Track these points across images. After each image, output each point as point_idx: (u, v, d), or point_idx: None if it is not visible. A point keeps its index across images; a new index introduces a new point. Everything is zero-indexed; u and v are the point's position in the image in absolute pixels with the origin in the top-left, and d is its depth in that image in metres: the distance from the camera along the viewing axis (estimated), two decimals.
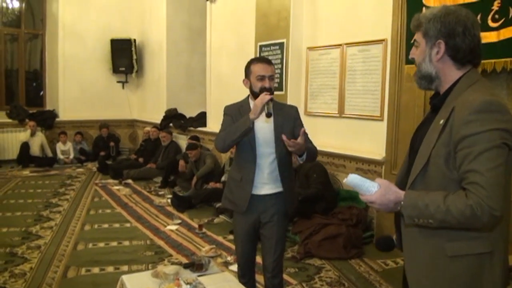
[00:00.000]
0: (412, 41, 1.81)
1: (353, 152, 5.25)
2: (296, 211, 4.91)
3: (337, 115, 5.55)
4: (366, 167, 5.10)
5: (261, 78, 2.71)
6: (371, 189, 1.65)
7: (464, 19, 1.67)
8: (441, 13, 1.70)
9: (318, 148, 5.39)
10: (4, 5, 10.33)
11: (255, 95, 2.73)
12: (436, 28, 1.69)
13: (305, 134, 2.64)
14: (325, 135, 5.71)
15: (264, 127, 2.78)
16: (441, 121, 1.63)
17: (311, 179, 5.08)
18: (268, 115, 2.56)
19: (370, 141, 5.14)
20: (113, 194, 7.19)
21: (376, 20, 4.99)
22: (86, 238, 5.05)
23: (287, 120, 2.80)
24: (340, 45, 5.45)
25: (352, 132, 5.39)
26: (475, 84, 1.67)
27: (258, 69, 2.73)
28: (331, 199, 5.14)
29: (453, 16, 1.67)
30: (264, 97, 2.60)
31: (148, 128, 9.68)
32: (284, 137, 2.53)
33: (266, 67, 2.73)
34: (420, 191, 1.60)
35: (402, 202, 1.60)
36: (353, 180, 1.66)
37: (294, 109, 2.89)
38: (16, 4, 10.43)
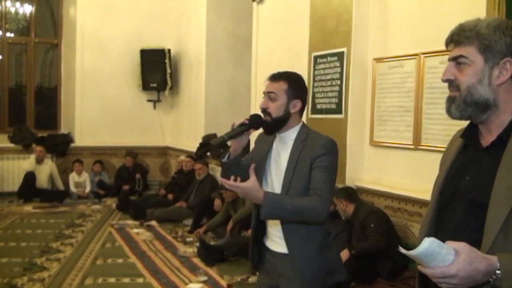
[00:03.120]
0: (453, 57, 1.69)
1: None
2: (353, 273, 4.67)
3: (412, 146, 5.31)
4: None
5: (264, 96, 2.77)
6: (448, 257, 1.46)
7: None
8: (506, 25, 1.61)
9: (386, 189, 5.44)
10: (13, 10, 10.75)
11: None
12: (505, 43, 1.62)
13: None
14: (396, 173, 5.50)
15: (276, 160, 2.77)
16: None
17: (368, 230, 4.91)
18: (211, 146, 2.70)
19: None
20: (130, 239, 7.15)
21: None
22: None
23: (305, 157, 2.65)
24: (417, 55, 5.24)
25: (432, 170, 4.86)
26: None
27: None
28: (399, 258, 4.81)
29: None
30: (240, 121, 2.70)
31: (182, 157, 9.67)
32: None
33: (269, 84, 2.75)
34: None
35: (498, 271, 1.45)
36: (431, 246, 1.45)
37: (321, 143, 2.66)
38: (29, 9, 10.83)
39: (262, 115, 2.71)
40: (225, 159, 2.64)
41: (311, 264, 2.65)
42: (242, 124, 2.65)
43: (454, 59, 1.71)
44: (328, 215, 2.61)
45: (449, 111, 1.73)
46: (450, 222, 1.69)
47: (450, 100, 1.72)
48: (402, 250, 1.52)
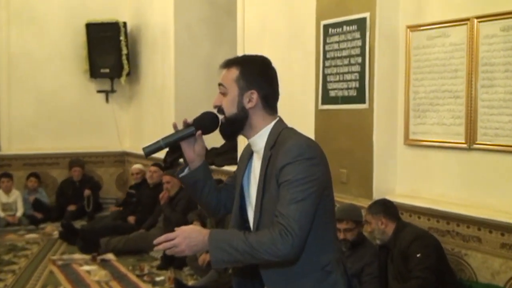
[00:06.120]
0: None
1: (495, 215, 4.86)
2: None
3: (464, 145, 5.19)
4: None
5: None
6: None
7: None
8: None
9: (429, 205, 5.33)
10: None
11: None
12: None
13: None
14: (442, 182, 5.41)
15: (253, 176, 2.80)
16: None
17: (413, 262, 4.75)
18: (145, 154, 2.77)
19: None
20: (79, 281, 7.01)
21: None
22: None
23: (272, 170, 2.64)
24: (468, 19, 5.12)
25: (493, 177, 4.99)
26: None
27: None
28: None
29: None
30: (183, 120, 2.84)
31: (138, 166, 9.78)
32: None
33: (222, 73, 2.80)
34: None
35: None
36: None
37: (284, 149, 2.61)
38: None
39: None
40: (183, 173, 2.81)
41: None
42: (185, 126, 2.74)
43: None
44: (298, 250, 2.47)
45: None
46: None
47: None
48: None
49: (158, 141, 2.67)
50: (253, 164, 2.79)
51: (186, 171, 2.80)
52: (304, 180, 2.47)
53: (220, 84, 2.71)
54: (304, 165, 2.50)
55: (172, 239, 2.47)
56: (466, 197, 5.16)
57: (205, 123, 2.73)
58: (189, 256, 7.25)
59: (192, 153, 2.75)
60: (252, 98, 2.66)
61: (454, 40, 5.23)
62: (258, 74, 2.71)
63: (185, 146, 2.75)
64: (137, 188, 9.47)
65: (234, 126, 2.69)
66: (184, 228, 2.53)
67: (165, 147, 2.69)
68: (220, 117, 2.74)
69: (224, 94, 2.70)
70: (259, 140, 2.70)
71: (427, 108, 5.50)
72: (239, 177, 2.85)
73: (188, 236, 2.46)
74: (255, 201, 2.70)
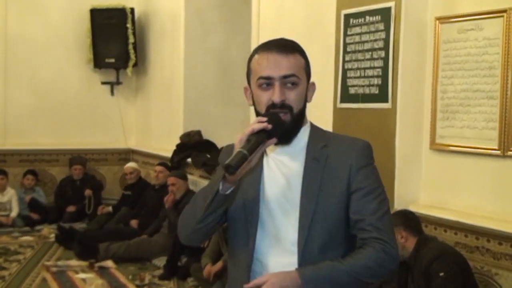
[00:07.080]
0: None
1: None
2: None
3: (498, 152, 5.07)
4: None
5: (266, 83, 2.49)
6: None
7: None
8: None
9: (456, 218, 5.47)
10: None
11: None
12: None
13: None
14: (472, 193, 5.30)
15: (279, 185, 2.55)
16: None
17: (435, 282, 4.67)
18: (231, 169, 2.34)
19: None
20: None
21: None
22: None
23: (335, 173, 2.50)
24: (504, 11, 5.01)
25: None
26: None
27: (260, 64, 2.52)
28: None
29: None
30: (255, 126, 2.40)
31: (132, 165, 9.93)
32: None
33: (278, 59, 2.49)
34: None
35: None
36: None
37: (358, 148, 2.55)
38: None
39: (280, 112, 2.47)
40: (224, 189, 2.42)
41: None
42: (260, 131, 2.39)
43: None
44: (398, 262, 2.50)
45: None
46: None
47: None
48: None
49: (239, 152, 2.33)
50: (272, 170, 2.56)
51: (225, 185, 2.42)
52: (381, 187, 2.47)
53: (290, 75, 2.44)
54: (375, 170, 2.51)
55: None
56: (499, 210, 5.07)
57: (277, 125, 2.42)
58: (193, 265, 7.30)
59: (246, 165, 2.38)
60: (311, 91, 2.56)
61: (488, 34, 5.12)
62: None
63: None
64: (132, 189, 9.53)
65: (299, 124, 2.51)
66: (269, 279, 2.29)
67: (250, 154, 2.33)
68: (283, 115, 2.46)
69: (296, 85, 2.47)
70: (300, 138, 2.52)
71: (457, 109, 5.40)
72: (248, 191, 2.55)
73: (281, 286, 2.28)
74: (299, 212, 2.46)
